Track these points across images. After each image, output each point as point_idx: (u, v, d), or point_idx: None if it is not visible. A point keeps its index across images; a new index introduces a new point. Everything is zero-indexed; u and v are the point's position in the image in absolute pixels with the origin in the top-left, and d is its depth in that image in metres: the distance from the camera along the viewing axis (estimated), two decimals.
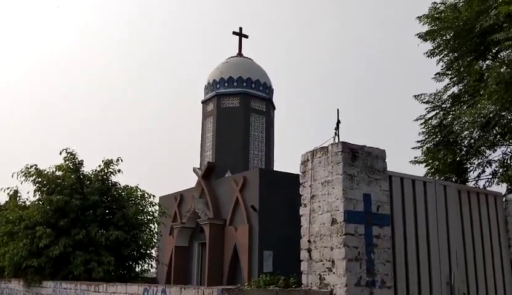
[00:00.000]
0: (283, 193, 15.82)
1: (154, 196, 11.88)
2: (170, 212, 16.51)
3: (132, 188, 11.55)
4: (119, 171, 11.43)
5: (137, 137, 63.85)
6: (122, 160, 11.39)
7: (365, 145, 5.62)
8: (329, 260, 5.29)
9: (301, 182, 5.95)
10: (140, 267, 11.57)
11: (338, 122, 5.77)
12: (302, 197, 5.88)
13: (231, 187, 18.05)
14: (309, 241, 5.63)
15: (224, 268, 17.68)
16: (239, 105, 20.79)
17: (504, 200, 7.06)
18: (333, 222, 5.32)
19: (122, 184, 11.65)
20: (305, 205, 5.80)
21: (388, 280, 5.37)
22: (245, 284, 12.03)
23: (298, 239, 5.85)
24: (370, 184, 5.49)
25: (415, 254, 5.81)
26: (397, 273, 5.58)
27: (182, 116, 67.32)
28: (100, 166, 11.36)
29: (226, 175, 19.49)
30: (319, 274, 5.39)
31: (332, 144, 5.60)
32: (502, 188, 11.00)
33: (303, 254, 5.70)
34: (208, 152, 21.07)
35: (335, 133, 5.74)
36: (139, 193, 11.55)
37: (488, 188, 10.89)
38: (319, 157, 5.66)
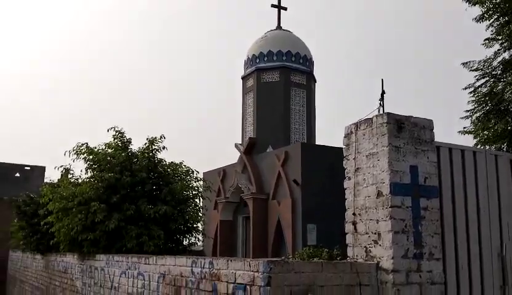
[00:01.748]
0: (325, 166, 15.75)
1: (198, 172, 12.14)
2: (214, 188, 16.84)
3: (177, 164, 11.84)
4: (163, 148, 11.72)
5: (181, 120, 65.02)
6: (165, 137, 11.67)
7: (411, 116, 5.48)
8: (375, 233, 5.27)
9: (344, 155, 5.91)
10: (187, 240, 11.93)
11: (383, 93, 5.65)
12: (346, 170, 5.85)
13: (273, 162, 18.13)
14: (354, 214, 5.61)
15: (268, 241, 17.95)
16: (279, 79, 20.64)
17: None
18: (379, 194, 5.27)
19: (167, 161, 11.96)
20: (349, 178, 5.77)
21: (437, 252, 5.31)
22: (290, 256, 12.22)
23: (342, 212, 5.85)
24: (417, 155, 5.38)
25: (465, 226, 5.70)
26: (445, 245, 5.50)
27: (222, 94, 67.80)
28: (145, 144, 11.68)
29: (268, 150, 19.57)
30: (365, 246, 5.39)
31: (376, 115, 5.50)
32: None
33: (348, 227, 5.70)
34: (249, 127, 21.16)
35: (380, 103, 5.64)
36: (184, 169, 11.82)
37: None
38: (363, 129, 5.59)
